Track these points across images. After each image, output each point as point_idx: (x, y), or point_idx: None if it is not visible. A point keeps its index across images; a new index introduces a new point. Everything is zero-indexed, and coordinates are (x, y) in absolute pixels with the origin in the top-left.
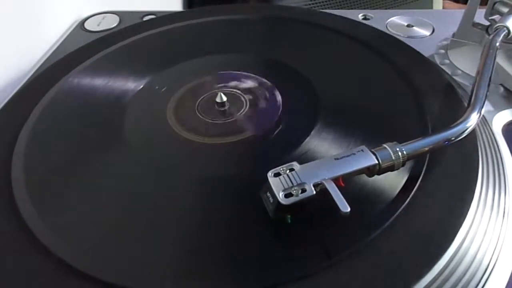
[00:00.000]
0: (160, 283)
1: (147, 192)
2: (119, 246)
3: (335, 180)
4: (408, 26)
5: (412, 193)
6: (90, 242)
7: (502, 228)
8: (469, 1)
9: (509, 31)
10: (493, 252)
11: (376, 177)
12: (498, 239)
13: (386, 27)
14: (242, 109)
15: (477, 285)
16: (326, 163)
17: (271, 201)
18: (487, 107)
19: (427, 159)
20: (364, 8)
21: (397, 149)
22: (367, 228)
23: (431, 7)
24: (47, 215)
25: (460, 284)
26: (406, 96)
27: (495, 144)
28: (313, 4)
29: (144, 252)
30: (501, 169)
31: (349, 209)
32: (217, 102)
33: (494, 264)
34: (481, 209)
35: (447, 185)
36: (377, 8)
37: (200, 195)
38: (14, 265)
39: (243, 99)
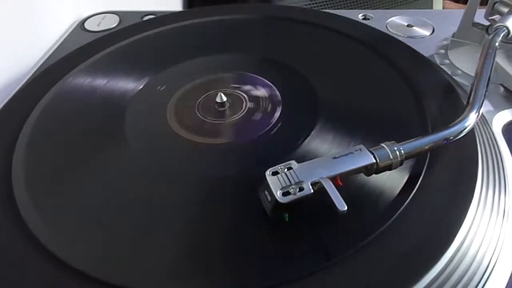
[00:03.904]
0: (160, 283)
1: (147, 192)
2: (118, 246)
3: (333, 179)
4: (408, 26)
5: (412, 193)
6: (90, 242)
7: (502, 228)
8: (469, 1)
9: (508, 31)
10: (493, 252)
11: (376, 177)
12: (498, 239)
13: (386, 27)
14: (242, 109)
15: (477, 285)
16: (324, 162)
17: (269, 200)
18: (487, 107)
19: (427, 159)
20: (364, 8)
21: (395, 148)
22: (367, 228)
23: (431, 7)
24: (47, 215)
25: (460, 284)
26: (406, 96)
27: (495, 144)
28: (313, 4)
29: (144, 252)
30: (501, 169)
31: (346, 208)
32: (217, 102)
33: (494, 264)
34: (481, 209)
35: (447, 185)
36: (377, 8)
37: (200, 195)
38: (14, 265)
39: (243, 99)
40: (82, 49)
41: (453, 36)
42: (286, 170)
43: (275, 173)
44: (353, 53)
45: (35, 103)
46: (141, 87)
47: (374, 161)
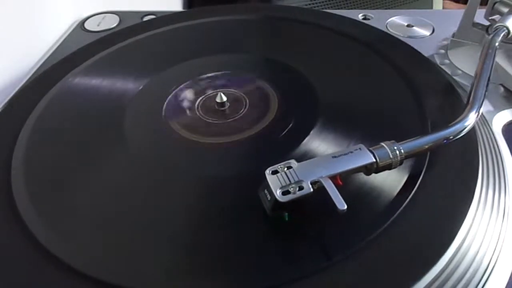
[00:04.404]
0: (159, 283)
1: (147, 192)
2: (118, 246)
3: (333, 178)
4: (408, 26)
5: (412, 192)
6: (90, 242)
7: (502, 228)
8: (469, 1)
9: (508, 31)
10: (493, 252)
11: (376, 176)
12: (498, 239)
13: (386, 27)
14: (242, 109)
15: (477, 285)
16: (323, 161)
17: (269, 198)
18: (487, 107)
19: (427, 158)
20: (364, 8)
21: (395, 147)
22: (367, 228)
23: (431, 7)
24: (46, 215)
25: (460, 284)
26: (406, 96)
27: (495, 144)
28: (313, 4)
29: (144, 252)
30: (501, 169)
31: (345, 207)
32: (217, 102)
33: (494, 264)
34: (481, 209)
35: (447, 185)
36: (377, 8)
37: (200, 195)
38: (14, 265)
39: (243, 99)
40: (82, 50)
41: (453, 36)
42: (285, 169)
43: (274, 172)
44: (353, 53)
45: (35, 103)
46: (141, 87)
47: (374, 160)
